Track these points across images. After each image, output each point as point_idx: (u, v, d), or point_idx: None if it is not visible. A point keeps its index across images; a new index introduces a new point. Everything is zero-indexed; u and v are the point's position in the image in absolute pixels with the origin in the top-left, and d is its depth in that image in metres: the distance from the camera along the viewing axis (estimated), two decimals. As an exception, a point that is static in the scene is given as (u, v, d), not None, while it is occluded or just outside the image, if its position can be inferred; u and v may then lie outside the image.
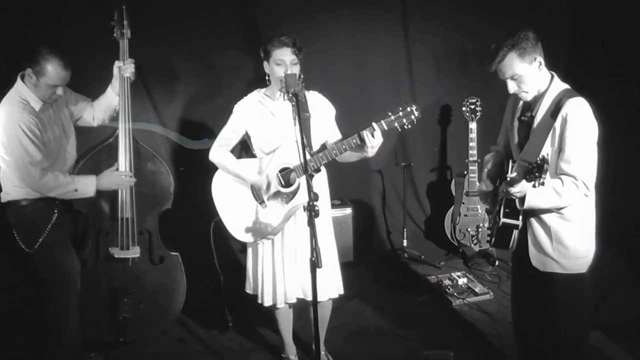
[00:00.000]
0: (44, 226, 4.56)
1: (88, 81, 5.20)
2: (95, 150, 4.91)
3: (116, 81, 4.84)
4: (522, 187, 3.54)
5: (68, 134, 4.77)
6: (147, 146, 5.10)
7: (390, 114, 4.28)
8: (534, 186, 3.37)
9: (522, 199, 3.62)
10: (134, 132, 4.89)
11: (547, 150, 3.66)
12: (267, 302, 4.73)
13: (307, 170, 3.79)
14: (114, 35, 4.82)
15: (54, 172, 4.46)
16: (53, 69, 4.33)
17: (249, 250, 4.82)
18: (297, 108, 3.87)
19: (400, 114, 4.26)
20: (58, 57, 4.34)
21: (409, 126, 4.30)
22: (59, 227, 4.64)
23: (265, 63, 4.51)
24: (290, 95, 3.94)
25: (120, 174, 4.78)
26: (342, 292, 4.82)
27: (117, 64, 4.84)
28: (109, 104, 4.91)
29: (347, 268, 5.80)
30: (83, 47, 5.91)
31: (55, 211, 4.61)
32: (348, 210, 6.89)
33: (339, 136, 4.74)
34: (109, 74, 4.87)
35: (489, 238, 3.99)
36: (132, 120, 4.86)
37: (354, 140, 4.31)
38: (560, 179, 3.61)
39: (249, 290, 4.87)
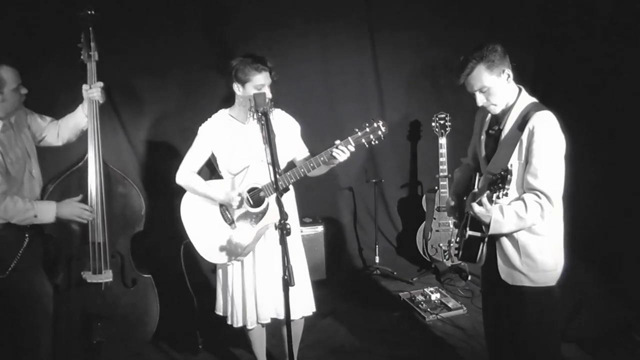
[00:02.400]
0: (16, 251, 4.51)
1: (55, 102, 5.20)
2: (65, 174, 4.86)
3: (86, 103, 4.82)
4: (484, 212, 3.59)
5: (31, 155, 4.73)
6: (117, 169, 5.07)
7: (357, 130, 4.31)
8: (497, 197, 3.41)
9: (487, 225, 3.66)
10: (103, 155, 4.87)
11: (514, 163, 3.68)
12: (237, 323, 4.72)
13: (278, 189, 3.80)
14: (82, 57, 4.77)
15: (12, 197, 4.41)
16: (7, 73, 4.34)
17: (219, 272, 4.82)
18: (266, 127, 3.89)
19: (367, 129, 4.29)
20: (2, 59, 4.36)
21: (376, 142, 4.32)
22: (30, 252, 4.60)
23: (237, 85, 4.51)
24: (260, 114, 3.96)
25: (82, 206, 4.73)
26: (314, 310, 4.83)
27: (85, 87, 4.80)
28: (77, 123, 4.89)
29: (320, 286, 5.80)
30: (48, 68, 5.91)
31: (27, 236, 4.57)
32: (319, 228, 6.90)
33: (306, 152, 4.76)
34: (76, 95, 4.84)
35: (456, 252, 4.00)
36: (101, 142, 4.84)
37: (322, 158, 4.34)
38: (524, 201, 3.64)
39: (219, 312, 4.86)
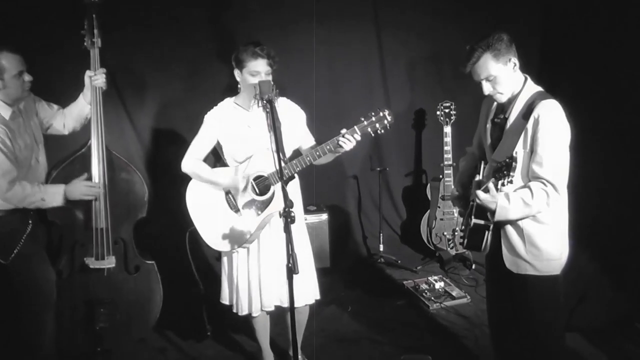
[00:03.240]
0: (19, 237, 4.52)
1: (59, 90, 5.18)
2: (67, 160, 4.85)
3: (88, 90, 4.81)
4: (490, 199, 3.57)
5: (38, 142, 4.74)
6: (121, 155, 5.07)
7: (362, 119, 4.28)
8: (502, 184, 3.40)
9: (493, 212, 3.64)
10: (107, 141, 4.86)
11: (519, 151, 3.66)
12: (243, 311, 4.72)
13: (283, 177, 3.79)
14: (85, 44, 4.77)
15: (20, 183, 4.41)
16: (7, 60, 4.33)
17: (224, 260, 4.80)
18: (271, 114, 3.87)
19: (373, 118, 4.27)
20: (3, 46, 4.34)
21: (382, 131, 4.30)
22: (33, 238, 4.62)
23: (237, 71, 4.51)
24: (265, 102, 3.94)
25: (88, 184, 4.73)
26: (318, 297, 4.83)
27: (88, 73, 4.79)
28: (81, 112, 4.89)
29: (324, 274, 5.80)
30: (54, 56, 5.90)
31: (30, 222, 4.59)
32: (324, 216, 6.89)
33: (312, 140, 4.75)
34: (80, 83, 4.83)
35: (461, 240, 3.99)
36: (105, 129, 4.83)
37: (328, 147, 4.31)
38: (530, 188, 3.63)
39: (224, 301, 4.85)
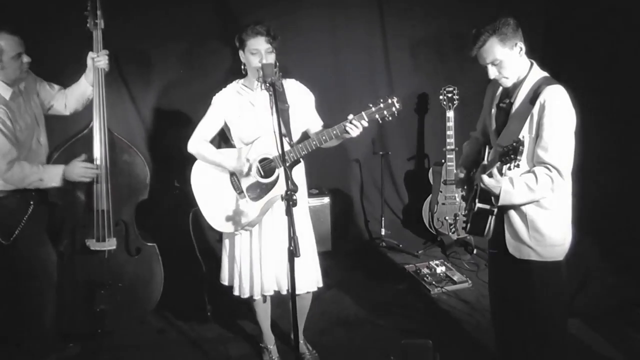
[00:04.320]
0: (20, 218, 4.52)
1: (61, 71, 5.16)
2: (69, 142, 4.84)
3: (90, 72, 4.79)
4: (494, 183, 3.56)
5: (39, 123, 4.73)
6: (123, 137, 5.05)
7: (370, 105, 4.24)
8: (509, 168, 3.39)
9: (497, 196, 3.63)
10: (109, 123, 4.85)
11: (525, 136, 3.65)
12: (245, 294, 4.72)
13: (285, 161, 3.79)
14: (87, 25, 4.75)
15: (20, 163, 4.41)
16: (6, 41, 4.31)
17: (225, 242, 4.80)
18: (274, 98, 3.86)
19: (382, 105, 4.23)
20: (1, 27, 4.33)
21: (390, 118, 4.26)
22: (35, 219, 4.61)
23: (240, 52, 4.48)
24: (268, 85, 3.93)
25: (85, 165, 4.72)
26: (321, 285, 4.83)
27: (90, 55, 4.78)
28: (83, 93, 4.87)
29: (325, 257, 5.79)
30: (55, 36, 5.88)
31: (31, 203, 4.58)
32: (326, 200, 6.89)
33: (320, 123, 4.73)
34: (83, 64, 4.82)
35: (464, 225, 3.99)
36: (107, 110, 4.81)
37: (334, 132, 4.29)
38: (534, 173, 3.62)
39: (224, 281, 4.84)
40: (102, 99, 4.77)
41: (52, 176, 4.57)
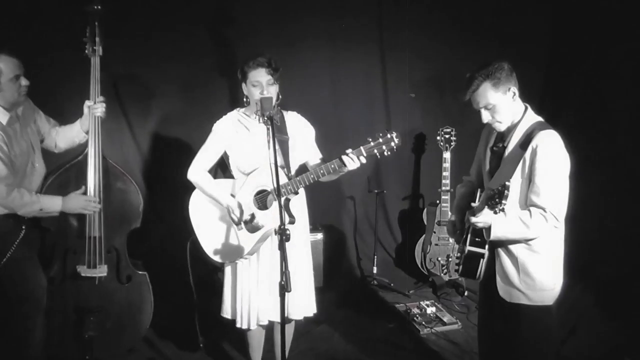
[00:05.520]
0: (12, 241, 4.51)
1: (59, 97, 5.21)
2: (64, 167, 4.87)
3: (86, 120, 4.84)
4: (484, 218, 3.57)
5: (35, 149, 4.73)
6: (117, 164, 5.07)
7: (370, 139, 4.25)
8: (495, 212, 3.40)
9: (489, 230, 3.63)
10: (105, 150, 4.86)
11: (516, 181, 3.67)
12: (244, 325, 4.68)
13: (280, 194, 3.79)
14: (86, 52, 4.78)
15: (19, 190, 4.42)
16: (4, 63, 4.32)
17: (226, 272, 4.78)
18: (272, 132, 3.87)
19: (380, 140, 4.23)
20: (0, 49, 4.35)
21: (389, 153, 4.25)
22: (26, 243, 4.60)
23: (243, 84, 4.50)
24: (266, 118, 3.94)
25: (88, 198, 4.74)
26: (315, 311, 4.82)
27: (87, 103, 4.82)
28: (74, 137, 4.93)
29: (316, 293, 5.73)
30: (54, 63, 5.93)
31: (23, 227, 4.57)
32: (319, 235, 6.87)
33: (319, 156, 4.74)
34: (79, 91, 4.86)
35: (457, 267, 3.99)
36: (103, 137, 4.84)
37: (332, 166, 4.29)
38: (529, 210, 3.63)
39: (225, 314, 4.79)
40: (97, 139, 4.81)
41: (51, 206, 4.58)
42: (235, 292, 4.71)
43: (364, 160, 4.26)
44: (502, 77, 3.65)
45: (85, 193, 4.78)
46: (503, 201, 3.32)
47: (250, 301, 4.63)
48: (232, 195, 4.55)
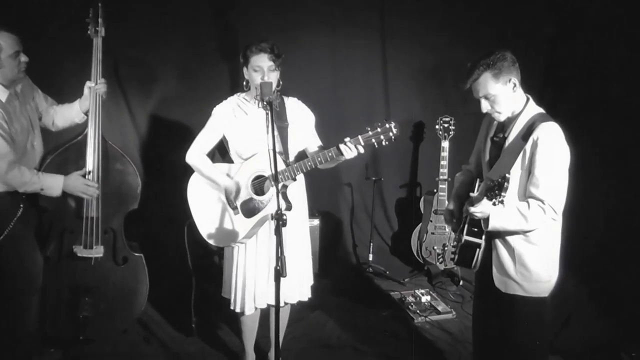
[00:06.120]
0: (9, 219, 4.51)
1: (57, 74, 5.18)
2: (63, 147, 4.87)
3: (86, 100, 4.84)
4: (483, 208, 3.57)
5: (34, 127, 4.73)
6: (116, 145, 5.07)
7: (368, 129, 4.23)
8: (494, 204, 3.39)
9: (487, 220, 3.64)
10: (104, 131, 4.87)
11: (516, 172, 3.67)
12: (238, 308, 4.69)
13: (277, 180, 3.79)
14: (88, 32, 4.78)
15: (20, 168, 4.42)
16: (3, 39, 4.31)
17: (226, 255, 4.80)
18: (270, 117, 3.87)
19: (379, 129, 4.21)
20: None
21: (387, 143, 4.23)
22: (24, 221, 4.60)
23: (244, 69, 4.49)
24: (265, 103, 3.94)
25: (88, 182, 4.75)
26: (310, 296, 4.84)
27: (88, 84, 4.82)
28: (72, 117, 4.93)
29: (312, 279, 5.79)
30: (56, 43, 5.90)
31: (21, 205, 4.57)
32: (315, 222, 6.85)
33: (318, 143, 4.74)
34: (80, 72, 4.85)
35: (452, 256, 4.00)
36: (103, 118, 4.85)
37: (330, 154, 4.28)
38: (527, 202, 3.63)
39: (225, 294, 4.81)
40: (98, 118, 4.81)
41: (52, 186, 4.59)
42: (230, 276, 4.72)
43: (362, 150, 4.25)
44: (503, 68, 3.63)
45: (85, 175, 4.78)
46: (502, 193, 3.31)
47: (246, 286, 4.63)
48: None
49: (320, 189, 6.96)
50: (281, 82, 4.51)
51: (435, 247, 6.99)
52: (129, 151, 6.02)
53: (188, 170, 4.68)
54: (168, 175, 5.63)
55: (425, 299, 6.36)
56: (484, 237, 3.80)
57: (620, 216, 6.38)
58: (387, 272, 7.19)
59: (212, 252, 5.19)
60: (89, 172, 4.80)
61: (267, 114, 3.95)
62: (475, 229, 3.78)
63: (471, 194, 3.67)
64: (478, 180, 3.91)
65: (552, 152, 3.60)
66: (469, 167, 4.32)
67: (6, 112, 4.40)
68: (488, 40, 7.01)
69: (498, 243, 3.82)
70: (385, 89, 7.60)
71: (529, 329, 3.87)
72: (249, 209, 4.48)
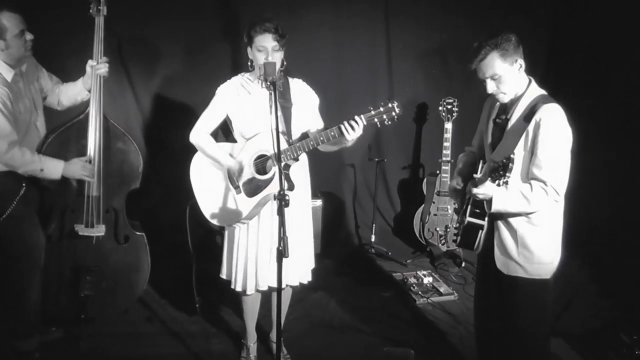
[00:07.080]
0: (12, 199, 4.52)
1: (59, 53, 5.16)
2: (65, 126, 4.85)
3: (88, 79, 4.81)
4: (486, 190, 3.57)
5: (37, 107, 4.73)
6: (118, 124, 5.05)
7: (370, 108, 4.21)
8: (498, 185, 3.39)
9: (490, 202, 3.63)
10: (106, 110, 4.85)
11: (519, 153, 3.66)
12: (238, 288, 4.69)
13: (280, 160, 3.79)
14: (90, 11, 4.74)
15: (21, 148, 4.40)
16: (8, 19, 4.29)
17: (225, 235, 4.78)
18: (274, 97, 3.86)
19: (381, 109, 4.20)
20: (2, 6, 4.31)
21: (389, 122, 4.22)
22: (26, 201, 4.60)
23: (248, 48, 4.47)
24: (268, 83, 3.92)
25: (85, 165, 4.75)
26: (310, 278, 4.83)
27: (90, 63, 4.78)
28: (76, 95, 4.91)
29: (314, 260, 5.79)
30: (57, 20, 5.89)
31: (23, 184, 4.58)
32: (318, 202, 6.85)
33: (321, 125, 4.71)
34: (83, 50, 4.83)
35: (455, 237, 3.99)
36: (105, 97, 4.83)
37: (332, 133, 4.26)
38: (530, 183, 3.62)
39: (223, 275, 4.81)
40: (99, 99, 4.80)
41: (52, 169, 4.58)
42: (231, 255, 4.71)
43: (363, 124, 4.21)
44: (509, 49, 3.62)
45: (83, 155, 4.79)
46: (507, 174, 3.31)
47: (247, 266, 4.62)
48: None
49: (323, 170, 6.97)
50: (285, 63, 4.49)
51: (438, 229, 6.99)
52: (131, 130, 6.02)
53: (191, 150, 4.66)
54: (170, 154, 5.62)
55: (427, 280, 6.36)
56: (486, 218, 3.79)
57: (622, 198, 6.37)
58: (390, 253, 7.19)
59: (213, 232, 5.17)
60: (91, 161, 4.80)
61: (270, 94, 3.92)
62: (478, 211, 3.78)
63: (475, 175, 3.66)
64: (481, 162, 3.89)
65: (554, 133, 3.59)
66: (472, 149, 4.31)
67: (11, 91, 4.38)
68: (492, 23, 6.98)
69: (500, 225, 3.81)
70: (389, 70, 7.57)
71: (530, 311, 3.87)
72: (251, 189, 4.47)
